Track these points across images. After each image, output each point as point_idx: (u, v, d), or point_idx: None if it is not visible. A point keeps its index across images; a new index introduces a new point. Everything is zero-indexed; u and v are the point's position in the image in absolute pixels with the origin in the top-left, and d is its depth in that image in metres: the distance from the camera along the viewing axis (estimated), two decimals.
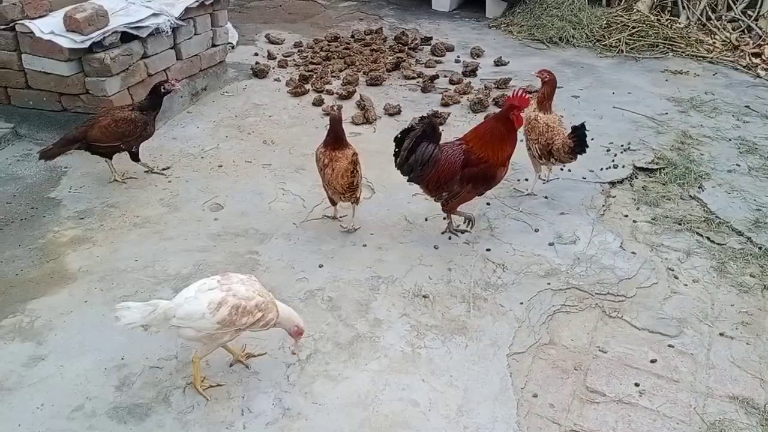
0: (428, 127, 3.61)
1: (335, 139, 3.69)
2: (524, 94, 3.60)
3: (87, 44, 4.36)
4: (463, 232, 3.93)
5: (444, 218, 4.04)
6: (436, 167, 3.59)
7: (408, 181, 3.71)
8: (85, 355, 2.98)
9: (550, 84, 4.23)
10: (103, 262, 3.59)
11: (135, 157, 4.30)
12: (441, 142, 3.68)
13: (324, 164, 3.69)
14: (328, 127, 3.73)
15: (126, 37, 4.64)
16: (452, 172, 3.59)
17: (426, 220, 4.06)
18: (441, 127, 5.13)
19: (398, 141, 3.61)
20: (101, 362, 2.94)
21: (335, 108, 4.32)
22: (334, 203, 3.94)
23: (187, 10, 5.18)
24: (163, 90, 4.17)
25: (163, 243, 3.77)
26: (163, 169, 4.50)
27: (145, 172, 4.44)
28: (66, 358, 2.95)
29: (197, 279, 3.40)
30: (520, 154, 4.14)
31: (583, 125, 4.02)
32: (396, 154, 3.63)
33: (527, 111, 4.03)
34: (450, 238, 3.91)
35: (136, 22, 4.69)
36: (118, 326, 2.58)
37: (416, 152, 3.57)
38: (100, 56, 4.44)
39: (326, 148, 3.71)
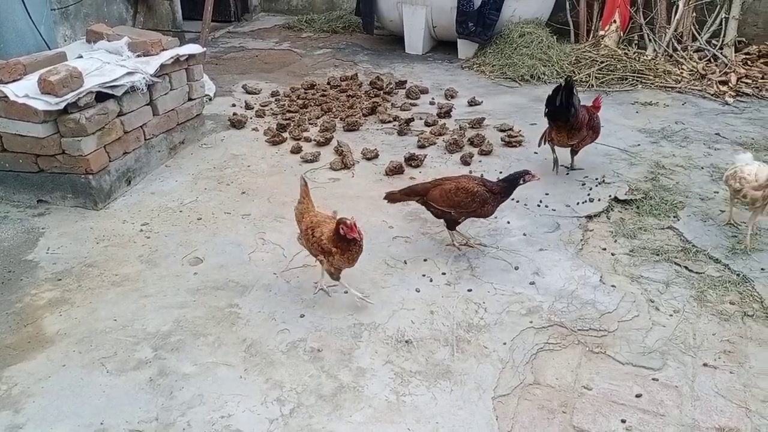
0: (572, 83, 4.92)
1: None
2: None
3: (62, 105, 4.37)
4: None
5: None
6: (580, 113, 4.98)
7: (555, 120, 4.99)
8: (63, 422, 2.91)
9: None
10: (81, 324, 3.54)
11: (453, 225, 4.17)
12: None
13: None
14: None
15: (101, 96, 4.67)
16: (584, 121, 5.02)
17: (405, 263, 4.06)
18: (419, 169, 5.27)
19: (556, 92, 4.92)
20: (80, 428, 2.87)
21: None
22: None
23: (162, 66, 5.24)
24: (521, 182, 4.00)
25: (142, 301, 3.73)
26: (479, 244, 4.29)
27: (462, 245, 4.26)
28: (44, 426, 2.89)
29: (177, 336, 3.43)
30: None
31: None
32: (553, 101, 4.95)
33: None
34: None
35: (111, 81, 4.72)
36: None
37: (575, 95, 4.91)
38: (75, 116, 4.46)
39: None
